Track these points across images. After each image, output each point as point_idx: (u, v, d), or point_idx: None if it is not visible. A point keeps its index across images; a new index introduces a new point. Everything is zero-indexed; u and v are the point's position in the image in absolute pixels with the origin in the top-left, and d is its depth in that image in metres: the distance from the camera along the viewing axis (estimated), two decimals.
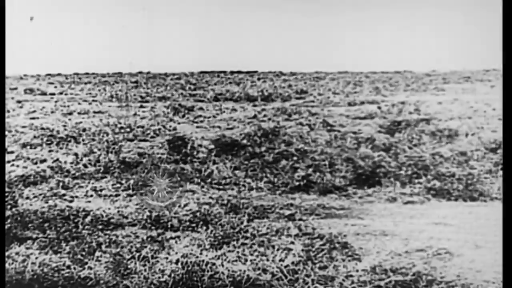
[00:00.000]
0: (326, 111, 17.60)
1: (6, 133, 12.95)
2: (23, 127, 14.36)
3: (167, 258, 5.25)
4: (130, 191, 8.17)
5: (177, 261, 5.12)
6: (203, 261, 5.10)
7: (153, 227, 6.55)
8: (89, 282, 4.89)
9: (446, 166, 9.33)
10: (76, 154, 10.56)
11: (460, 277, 4.95)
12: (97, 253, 5.45)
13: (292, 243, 5.75)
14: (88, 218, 6.76)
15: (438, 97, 20.67)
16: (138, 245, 5.76)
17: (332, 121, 14.98)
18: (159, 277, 4.89)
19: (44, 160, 10.18)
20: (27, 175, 8.92)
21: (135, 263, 5.19)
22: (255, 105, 20.12)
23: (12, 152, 11.00)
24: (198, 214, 6.92)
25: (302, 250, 5.47)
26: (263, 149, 10.90)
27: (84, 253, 5.48)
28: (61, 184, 8.53)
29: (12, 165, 9.78)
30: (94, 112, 18.31)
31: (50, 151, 11.26)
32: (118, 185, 8.51)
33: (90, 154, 10.54)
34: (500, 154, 9.84)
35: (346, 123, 14.82)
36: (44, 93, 25.21)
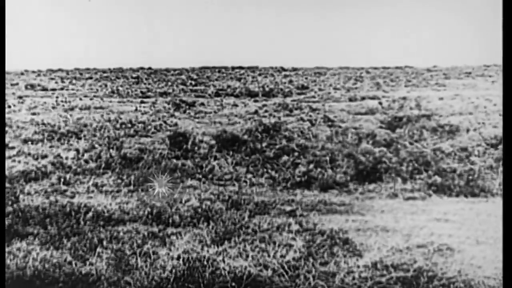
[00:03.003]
0: (327, 107, 17.59)
1: (7, 128, 12.96)
2: (24, 122, 14.37)
3: (168, 254, 5.26)
4: (131, 187, 8.17)
5: (178, 257, 5.13)
6: (204, 257, 5.11)
7: (154, 223, 6.55)
8: (91, 278, 4.90)
9: (447, 162, 9.33)
10: (77, 150, 10.57)
11: (461, 273, 4.95)
12: (98, 249, 5.45)
13: (293, 239, 5.76)
14: (89, 214, 6.77)
15: (439, 93, 20.63)
16: (139, 241, 5.77)
17: (333, 117, 14.97)
18: (160, 273, 4.90)
19: (45, 156, 10.18)
20: (28, 171, 8.93)
21: (136, 259, 5.20)
22: (256, 101, 20.11)
23: (13, 147, 11.01)
24: (199, 210, 6.92)
25: (303, 246, 5.48)
26: (264, 144, 10.90)
27: (85, 249, 5.49)
28: (62, 179, 8.53)
29: (13, 160, 9.78)
30: (95, 107, 18.31)
31: (51, 146, 11.26)
32: (119, 181, 8.51)
33: (91, 150, 10.55)
34: (500, 150, 9.83)
35: (347, 119, 14.82)
36: (45, 89, 25.20)
